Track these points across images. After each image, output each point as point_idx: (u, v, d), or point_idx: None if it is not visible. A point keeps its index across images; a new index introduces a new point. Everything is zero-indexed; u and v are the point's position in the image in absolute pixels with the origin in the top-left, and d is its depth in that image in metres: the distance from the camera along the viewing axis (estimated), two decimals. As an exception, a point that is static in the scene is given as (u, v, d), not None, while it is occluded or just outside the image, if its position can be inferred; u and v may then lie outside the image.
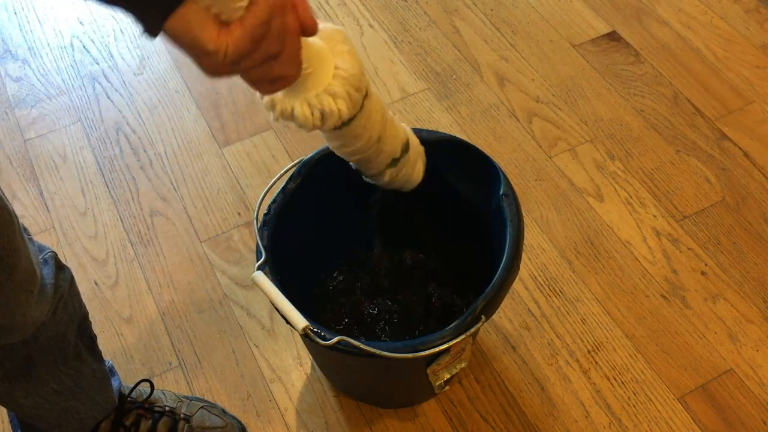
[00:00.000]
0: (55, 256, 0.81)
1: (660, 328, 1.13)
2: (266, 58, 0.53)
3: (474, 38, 1.54)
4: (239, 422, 1.04)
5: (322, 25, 0.67)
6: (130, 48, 1.56)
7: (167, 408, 1.00)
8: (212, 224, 1.28)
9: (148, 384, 1.02)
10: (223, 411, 1.04)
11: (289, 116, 0.67)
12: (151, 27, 0.47)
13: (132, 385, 1.00)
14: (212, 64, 0.50)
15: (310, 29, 0.56)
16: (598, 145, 1.35)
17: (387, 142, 0.79)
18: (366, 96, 0.72)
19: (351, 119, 0.71)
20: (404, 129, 0.84)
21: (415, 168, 0.87)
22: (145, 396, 1.00)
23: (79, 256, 1.24)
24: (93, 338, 0.93)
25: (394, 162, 0.83)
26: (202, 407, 1.02)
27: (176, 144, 1.39)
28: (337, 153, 0.79)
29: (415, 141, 0.87)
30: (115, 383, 0.98)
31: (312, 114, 0.66)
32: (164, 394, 1.03)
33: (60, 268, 0.81)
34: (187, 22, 0.48)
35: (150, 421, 0.98)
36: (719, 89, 1.43)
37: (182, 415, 1.00)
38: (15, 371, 0.80)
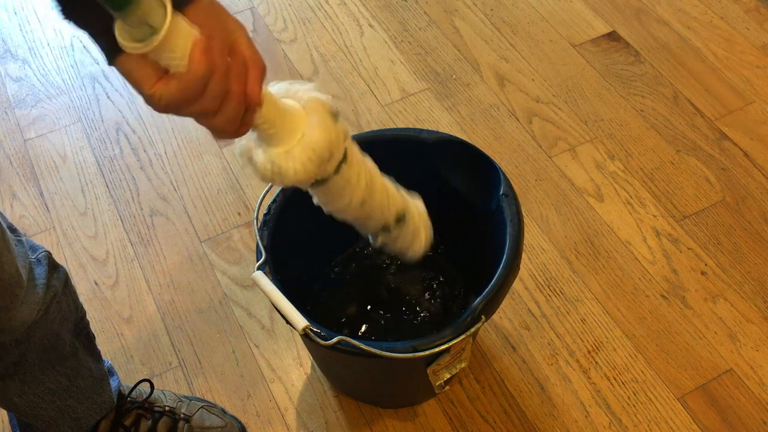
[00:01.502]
0: (48, 255, 0.80)
1: (660, 328, 1.13)
2: (203, 113, 0.56)
3: (474, 38, 1.54)
4: (239, 422, 1.04)
5: (315, 93, 0.68)
6: (130, 48, 1.55)
7: (167, 408, 1.00)
8: (212, 224, 1.28)
9: (147, 384, 1.02)
10: (223, 411, 1.04)
11: (249, 160, 0.69)
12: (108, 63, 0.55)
13: (132, 385, 1.00)
14: (151, 105, 0.55)
15: (251, 105, 0.58)
16: (598, 145, 1.35)
17: (375, 209, 0.80)
18: (345, 161, 0.72)
19: (325, 179, 0.72)
20: (405, 200, 0.84)
21: (415, 240, 0.87)
22: (144, 396, 1.00)
23: (79, 256, 1.24)
24: (91, 337, 0.92)
25: (385, 230, 0.83)
26: (201, 407, 1.02)
27: (176, 144, 1.39)
28: (324, 210, 0.79)
29: (417, 213, 0.86)
30: (113, 383, 0.98)
31: (269, 168, 0.67)
32: (164, 394, 1.03)
33: (54, 267, 0.81)
34: (128, 68, 0.54)
35: (150, 421, 0.98)
36: (719, 89, 1.43)
37: (182, 415, 1.00)
38: (9, 370, 0.80)
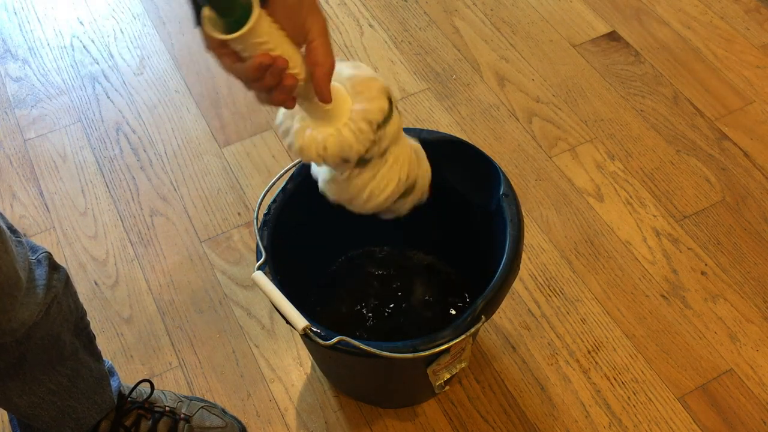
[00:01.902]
0: (49, 256, 0.80)
1: (660, 328, 1.13)
2: (250, 89, 0.64)
3: (474, 38, 1.54)
4: (239, 422, 1.04)
5: (370, 104, 0.70)
6: (130, 48, 1.56)
7: (167, 408, 1.00)
8: (212, 224, 1.28)
9: (148, 384, 1.02)
10: (223, 411, 1.04)
11: (284, 116, 0.73)
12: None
13: (132, 385, 1.00)
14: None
15: (321, 98, 0.65)
16: (598, 145, 1.35)
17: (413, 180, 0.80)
18: (394, 143, 0.75)
19: (366, 160, 0.73)
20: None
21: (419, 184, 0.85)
22: (145, 396, 1.00)
23: (79, 256, 1.24)
24: (91, 338, 0.92)
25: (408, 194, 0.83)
26: (202, 407, 1.02)
27: (176, 144, 1.39)
28: (369, 206, 0.79)
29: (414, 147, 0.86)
30: (114, 383, 0.98)
31: (290, 136, 0.71)
32: (164, 394, 1.03)
33: (54, 268, 0.81)
34: (204, 35, 0.61)
35: (150, 421, 0.98)
36: (719, 89, 1.43)
37: (182, 415, 1.00)
38: (9, 370, 0.80)
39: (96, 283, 1.21)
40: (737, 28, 1.53)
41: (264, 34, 0.59)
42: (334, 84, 0.69)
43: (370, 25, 1.58)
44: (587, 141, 1.36)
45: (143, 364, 1.13)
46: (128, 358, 1.13)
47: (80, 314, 0.89)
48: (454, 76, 1.47)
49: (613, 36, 1.53)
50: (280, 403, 1.08)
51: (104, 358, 0.97)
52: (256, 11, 0.58)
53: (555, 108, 1.41)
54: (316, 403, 1.08)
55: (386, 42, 1.54)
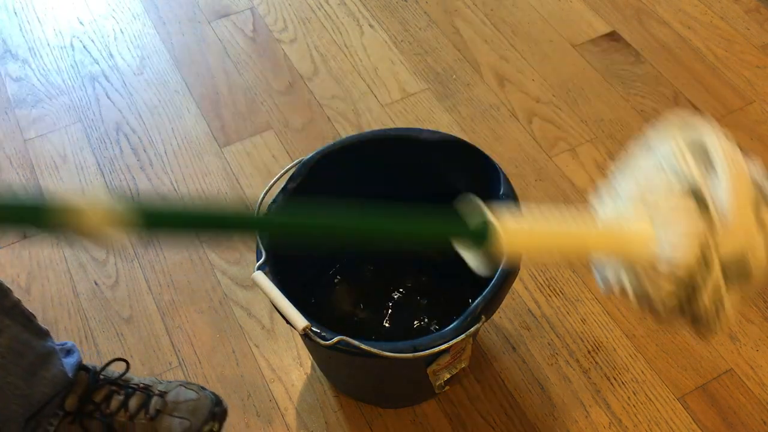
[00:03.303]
0: None
1: (660, 327, 1.13)
2: None
3: (474, 38, 1.54)
4: (215, 396, 1.03)
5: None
6: (130, 48, 1.56)
7: (141, 385, 0.99)
8: (212, 224, 1.28)
9: (124, 364, 1.01)
10: (201, 387, 1.03)
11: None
12: None
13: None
14: None
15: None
16: (599, 145, 1.35)
17: None
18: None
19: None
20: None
21: None
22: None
23: (79, 256, 1.24)
24: (27, 315, 0.92)
25: None
26: (179, 385, 1.02)
27: (176, 144, 1.39)
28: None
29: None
30: (71, 359, 0.96)
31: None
32: (145, 377, 1.03)
33: None
34: None
35: (122, 397, 0.97)
36: (719, 89, 1.43)
37: (157, 392, 1.00)
38: None
39: (96, 283, 1.21)
40: (737, 28, 1.53)
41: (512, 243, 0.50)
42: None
43: (370, 25, 1.58)
44: (587, 141, 1.36)
45: (143, 364, 1.13)
46: (128, 358, 1.13)
47: (1, 294, 0.88)
48: (454, 76, 1.47)
49: (613, 36, 1.53)
50: (280, 403, 1.08)
51: (66, 340, 0.95)
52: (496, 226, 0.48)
53: (555, 108, 1.41)
54: (316, 403, 1.08)
55: (386, 42, 1.54)
